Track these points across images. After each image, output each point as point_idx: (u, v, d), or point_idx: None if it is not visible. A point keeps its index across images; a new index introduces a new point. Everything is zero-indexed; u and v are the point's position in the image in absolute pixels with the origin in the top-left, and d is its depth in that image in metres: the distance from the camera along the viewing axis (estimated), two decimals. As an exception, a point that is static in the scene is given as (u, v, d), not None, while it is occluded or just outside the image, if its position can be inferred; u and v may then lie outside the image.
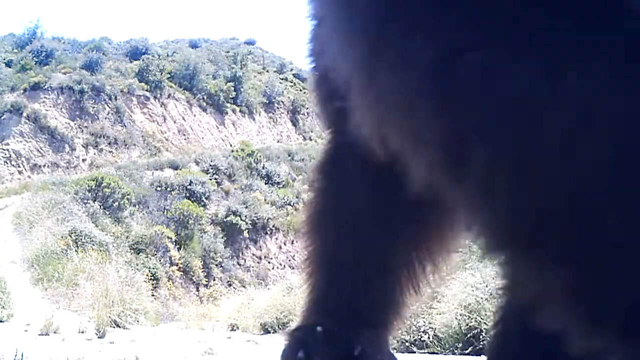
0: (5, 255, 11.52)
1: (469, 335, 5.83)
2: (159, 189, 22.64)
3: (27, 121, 24.96)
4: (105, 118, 29.01)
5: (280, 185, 28.57)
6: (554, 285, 0.54)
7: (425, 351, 6.10)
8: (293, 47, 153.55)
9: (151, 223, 20.26)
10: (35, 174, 23.83)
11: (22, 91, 26.69)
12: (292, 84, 51.37)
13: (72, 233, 12.73)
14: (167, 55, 40.69)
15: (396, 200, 1.05)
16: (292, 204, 27.41)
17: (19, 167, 23.79)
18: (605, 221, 0.50)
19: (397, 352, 5.69)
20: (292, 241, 25.86)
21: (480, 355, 5.60)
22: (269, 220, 25.00)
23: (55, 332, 6.20)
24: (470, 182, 0.57)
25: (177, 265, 19.71)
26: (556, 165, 0.52)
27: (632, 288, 0.49)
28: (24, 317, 7.00)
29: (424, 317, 6.33)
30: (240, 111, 39.80)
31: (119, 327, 7.71)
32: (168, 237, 19.89)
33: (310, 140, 43.76)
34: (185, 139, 33.43)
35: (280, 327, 10.20)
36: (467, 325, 5.83)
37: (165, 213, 21.17)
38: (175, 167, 25.53)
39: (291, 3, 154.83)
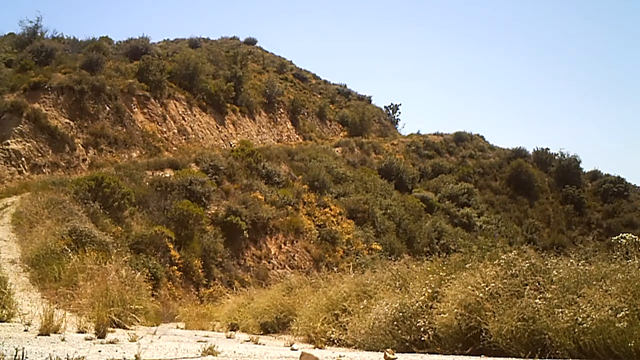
0: (5, 255, 11.51)
1: (469, 335, 5.82)
2: (159, 189, 22.61)
3: (27, 121, 24.91)
4: (105, 118, 28.98)
5: (280, 185, 28.55)
6: None
7: (425, 351, 6.09)
8: (293, 47, 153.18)
9: (151, 223, 20.24)
10: (35, 174, 23.79)
11: (22, 91, 26.63)
12: (292, 84, 51.33)
13: (72, 233, 12.71)
14: (167, 55, 40.64)
15: None
16: (292, 204, 27.38)
17: (19, 167, 23.75)
18: None
19: (397, 352, 5.68)
20: (292, 241, 25.84)
21: (480, 355, 5.60)
22: (269, 220, 24.98)
23: (55, 332, 6.20)
24: None
25: (177, 265, 19.69)
26: None
27: None
28: (24, 317, 6.99)
29: (424, 317, 6.32)
30: (240, 111, 39.77)
31: (119, 327, 7.71)
32: (168, 237, 19.87)
33: (310, 140, 43.71)
34: (185, 139, 33.41)
35: (280, 327, 10.20)
36: (467, 325, 5.82)
37: (165, 213, 21.14)
38: (175, 167, 25.49)
39: (291, 3, 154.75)
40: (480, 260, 6.57)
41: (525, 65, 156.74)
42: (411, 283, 7.16)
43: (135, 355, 4.63)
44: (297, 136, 44.38)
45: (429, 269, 7.18)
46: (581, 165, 46.77)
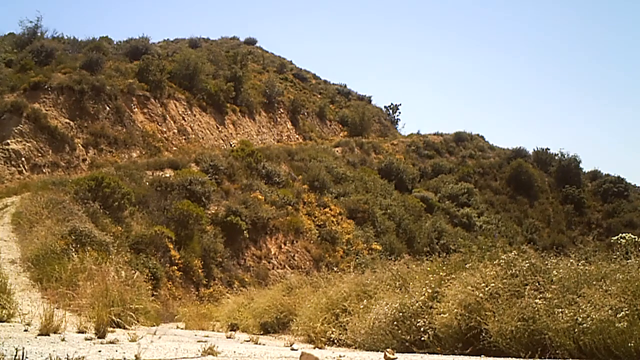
0: (5, 255, 11.50)
1: (469, 335, 5.82)
2: (159, 189, 22.61)
3: (27, 121, 24.91)
4: (105, 118, 28.98)
5: (280, 185, 28.54)
6: None
7: (425, 351, 6.09)
8: (293, 47, 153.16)
9: (151, 223, 20.23)
10: (35, 174, 23.79)
11: (22, 91, 26.64)
12: (292, 84, 51.32)
13: (72, 233, 12.71)
14: (167, 55, 40.64)
15: None
16: (292, 204, 27.37)
17: (19, 167, 23.75)
18: None
19: (397, 352, 5.68)
20: (292, 241, 25.84)
21: (480, 355, 5.59)
22: (269, 220, 24.97)
23: (55, 332, 6.19)
24: None
25: (177, 265, 19.69)
26: None
27: None
28: (24, 317, 6.99)
29: (424, 317, 6.32)
30: (240, 111, 39.77)
31: (119, 327, 7.71)
32: (168, 237, 19.87)
33: (310, 140, 43.70)
34: (185, 139, 33.41)
35: (280, 327, 10.21)
36: (467, 325, 5.82)
37: (165, 213, 21.13)
38: (175, 167, 25.49)
39: (291, 3, 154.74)
40: (480, 260, 6.56)
41: (525, 65, 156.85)
42: (411, 283, 7.16)
43: (135, 355, 4.63)
44: (297, 136, 44.37)
45: (429, 269, 7.18)
46: (581, 165, 46.85)
